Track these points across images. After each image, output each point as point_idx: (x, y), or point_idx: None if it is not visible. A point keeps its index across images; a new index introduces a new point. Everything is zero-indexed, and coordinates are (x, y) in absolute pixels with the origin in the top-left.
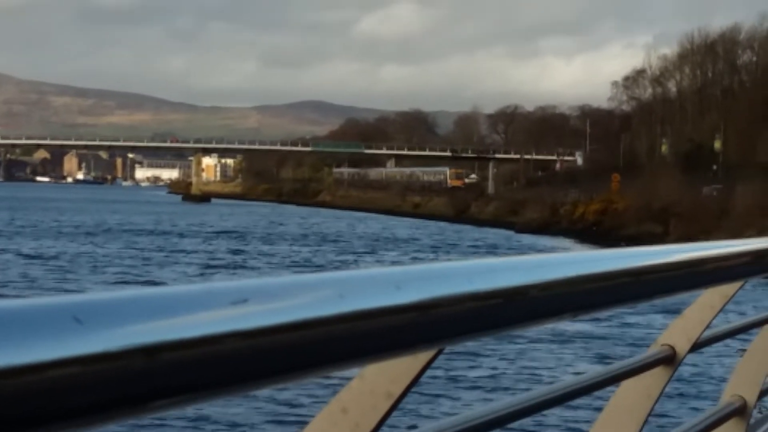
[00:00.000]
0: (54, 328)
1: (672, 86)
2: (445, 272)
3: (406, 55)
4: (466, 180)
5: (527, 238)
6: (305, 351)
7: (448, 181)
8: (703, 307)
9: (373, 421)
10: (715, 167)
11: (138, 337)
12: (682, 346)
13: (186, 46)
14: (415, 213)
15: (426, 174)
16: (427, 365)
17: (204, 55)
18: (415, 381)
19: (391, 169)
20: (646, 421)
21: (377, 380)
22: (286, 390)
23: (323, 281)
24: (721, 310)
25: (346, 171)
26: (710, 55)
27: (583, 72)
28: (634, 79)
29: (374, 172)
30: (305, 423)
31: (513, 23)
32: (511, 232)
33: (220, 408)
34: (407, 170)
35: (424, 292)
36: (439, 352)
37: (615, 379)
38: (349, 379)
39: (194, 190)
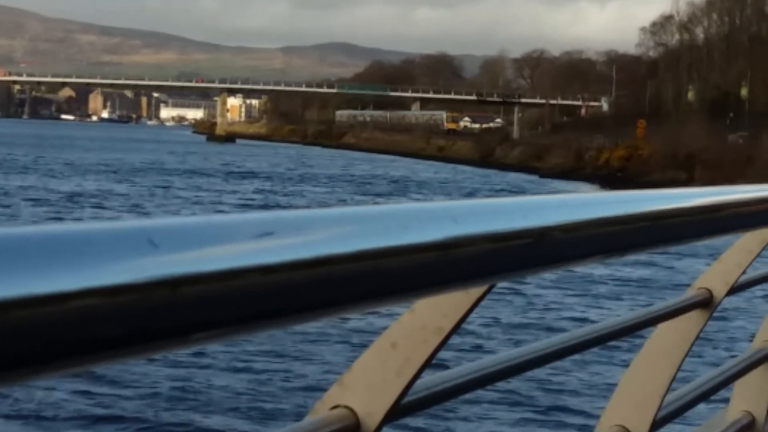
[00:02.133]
0: (130, 251)
1: (699, 33)
2: (501, 207)
3: None
4: (492, 124)
5: (553, 183)
6: (359, 283)
7: (445, 124)
8: (741, 251)
9: (423, 355)
10: (732, 115)
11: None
12: (719, 290)
13: None
14: (440, 156)
15: (423, 117)
16: (478, 301)
17: None
18: (466, 316)
19: (398, 112)
20: (681, 364)
21: (428, 315)
22: (335, 324)
23: (381, 213)
24: (759, 255)
25: (346, 113)
26: (738, 1)
27: (615, 18)
28: (661, 25)
29: (377, 114)
30: (355, 358)
31: None
32: (535, 177)
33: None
34: (402, 113)
35: (480, 226)
36: (491, 288)
37: (652, 321)
38: (398, 314)
39: (219, 131)
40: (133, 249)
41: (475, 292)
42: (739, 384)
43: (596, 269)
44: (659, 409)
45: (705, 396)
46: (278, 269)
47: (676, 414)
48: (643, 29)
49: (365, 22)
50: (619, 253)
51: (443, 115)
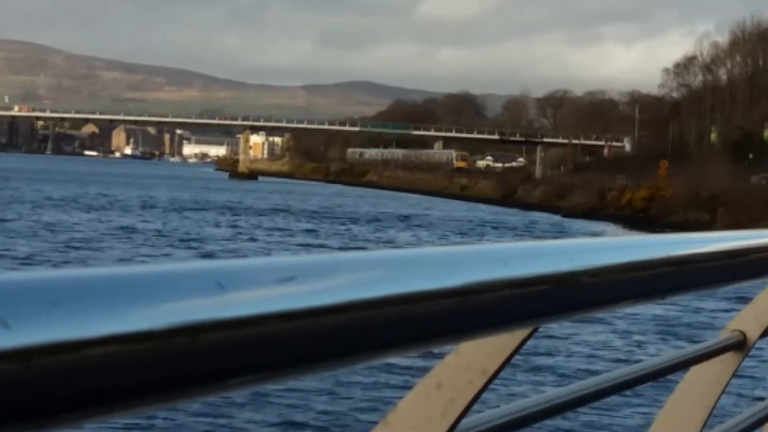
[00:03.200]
0: (199, 292)
1: (723, 74)
2: (548, 250)
3: (463, 38)
4: (514, 163)
5: (575, 223)
6: (408, 327)
7: (454, 162)
8: None
9: (468, 396)
10: (751, 155)
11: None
12: (752, 332)
13: (243, 25)
14: (462, 195)
15: (435, 155)
16: (523, 343)
17: (259, 33)
18: (511, 358)
19: (407, 151)
20: (715, 406)
21: (473, 356)
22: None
23: (433, 256)
24: None
25: (359, 151)
26: (762, 43)
27: (639, 59)
28: (685, 66)
29: (387, 153)
30: (399, 398)
31: (574, 8)
32: (557, 217)
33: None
34: (417, 152)
35: (530, 268)
36: (535, 330)
37: (684, 364)
38: (442, 355)
39: (241, 168)
40: (152, 295)
41: (520, 334)
42: None
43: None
44: None
45: None
46: (307, 314)
47: None
48: (666, 70)
49: (388, 61)
50: (662, 296)
51: (452, 153)
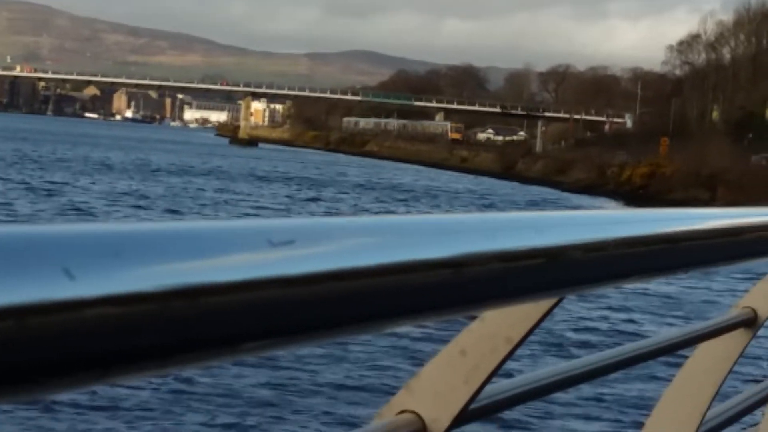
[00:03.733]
0: (248, 249)
1: (726, 53)
2: (580, 220)
3: (469, 9)
4: (515, 137)
5: (575, 198)
6: (434, 293)
7: (449, 134)
8: None
9: (491, 364)
10: (750, 135)
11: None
12: (763, 310)
13: None
14: (462, 167)
15: (430, 126)
16: (548, 312)
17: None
18: (535, 327)
19: (402, 121)
20: (722, 383)
21: (498, 324)
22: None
23: (463, 222)
24: None
25: (354, 119)
26: (766, 22)
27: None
28: (688, 43)
29: (385, 122)
30: (422, 364)
31: None
32: (557, 191)
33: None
34: (413, 123)
35: (559, 237)
36: (560, 300)
37: (694, 340)
38: (468, 322)
39: (242, 134)
40: (150, 255)
41: (545, 303)
42: None
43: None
44: (699, 426)
45: (744, 413)
46: (334, 277)
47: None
48: (669, 47)
49: (392, 30)
50: (685, 269)
51: (448, 125)
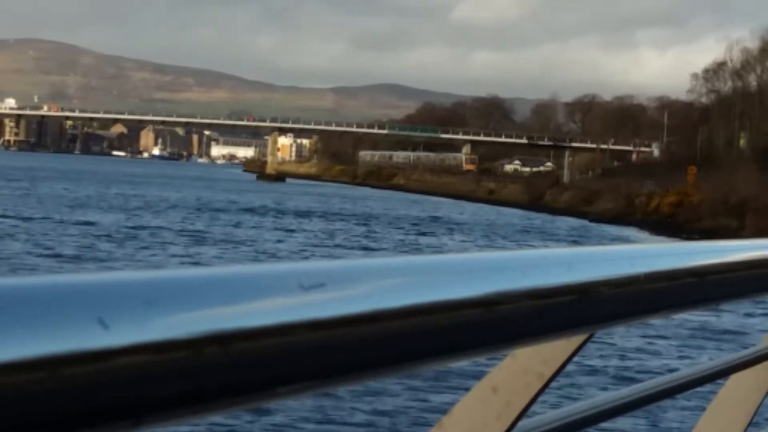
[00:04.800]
0: (281, 293)
1: (752, 80)
2: (606, 255)
3: (497, 42)
4: (542, 168)
5: (603, 228)
6: (466, 333)
7: (464, 165)
8: None
9: (524, 400)
10: None
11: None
12: None
13: (276, 26)
14: (489, 199)
15: (446, 159)
16: (579, 348)
17: (293, 35)
18: (567, 363)
19: (416, 153)
20: (755, 414)
21: (529, 361)
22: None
23: (495, 260)
24: None
25: (371, 153)
26: None
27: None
28: (714, 71)
29: (403, 155)
30: (454, 402)
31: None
32: (585, 222)
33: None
34: (428, 154)
35: (589, 273)
36: (591, 336)
37: (726, 371)
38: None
39: (269, 170)
40: (181, 302)
41: (577, 339)
42: None
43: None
44: None
45: None
46: (360, 320)
47: None
48: (695, 75)
49: (418, 63)
50: (716, 302)
51: (462, 156)
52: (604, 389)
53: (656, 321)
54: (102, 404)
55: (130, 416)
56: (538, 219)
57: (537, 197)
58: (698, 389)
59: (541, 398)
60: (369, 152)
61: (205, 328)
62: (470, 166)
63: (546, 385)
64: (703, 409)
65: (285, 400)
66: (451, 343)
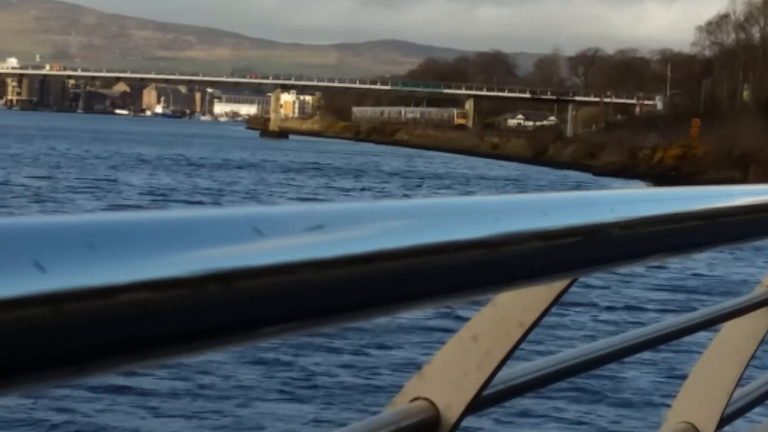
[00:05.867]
0: (237, 238)
1: (756, 32)
2: (590, 200)
3: None
4: (545, 122)
5: (606, 181)
6: (444, 276)
7: (455, 119)
8: None
9: (504, 348)
10: None
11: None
12: None
13: None
14: (493, 154)
15: (437, 113)
16: (561, 295)
17: None
18: (548, 310)
19: (410, 108)
20: (750, 361)
21: (510, 308)
22: (415, 316)
23: (471, 205)
24: None
25: (363, 109)
26: None
27: (675, 18)
28: (717, 24)
29: (396, 110)
30: (435, 351)
31: None
32: (588, 175)
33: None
34: (421, 110)
35: (570, 219)
36: (573, 282)
37: (721, 318)
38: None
39: (272, 126)
40: (181, 242)
41: (558, 285)
42: None
43: None
44: (727, 406)
45: None
46: (339, 263)
47: (743, 411)
48: (698, 28)
49: (420, 19)
50: (700, 249)
51: (454, 111)
52: (591, 337)
53: (640, 268)
54: (43, 350)
55: (72, 362)
56: (518, 171)
57: (540, 151)
58: (693, 337)
59: (525, 347)
60: (362, 108)
61: (200, 267)
62: (461, 120)
63: (527, 333)
64: (698, 357)
65: (280, 339)
66: (435, 286)
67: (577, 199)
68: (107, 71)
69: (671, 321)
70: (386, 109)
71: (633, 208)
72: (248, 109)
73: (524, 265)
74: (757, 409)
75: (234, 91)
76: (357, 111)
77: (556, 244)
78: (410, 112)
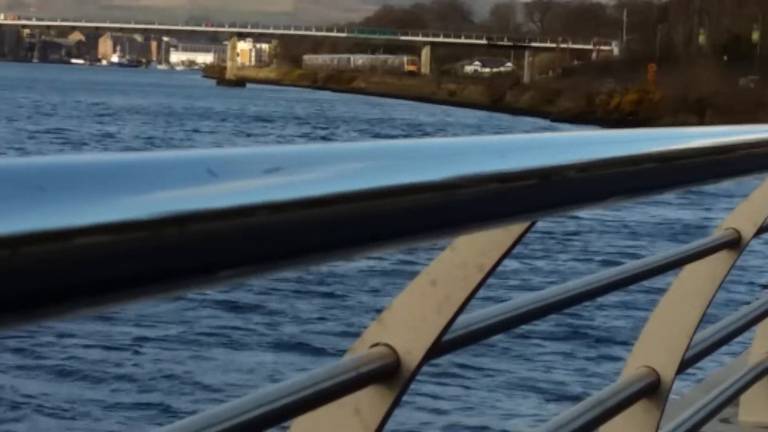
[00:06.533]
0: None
1: None
2: (548, 143)
3: None
4: (502, 69)
5: (564, 127)
6: (401, 219)
7: (405, 66)
8: None
9: (464, 293)
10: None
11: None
12: (747, 230)
13: None
14: (450, 101)
15: (389, 60)
16: (519, 238)
17: None
18: (507, 254)
19: (360, 56)
20: (709, 305)
21: (469, 252)
22: (375, 260)
23: (428, 147)
24: None
25: (315, 56)
26: None
27: None
28: None
29: (344, 59)
30: (393, 296)
31: None
32: (546, 121)
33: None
34: (368, 56)
35: (528, 161)
36: (532, 225)
37: (680, 262)
38: (438, 251)
39: (229, 75)
40: (141, 184)
41: (516, 229)
42: (762, 325)
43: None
44: (687, 350)
45: (731, 337)
46: (296, 205)
47: (703, 355)
48: None
49: None
50: (661, 191)
51: (404, 58)
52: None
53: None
54: None
55: (26, 308)
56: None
57: (498, 98)
58: (653, 280)
59: (483, 292)
60: (312, 56)
61: (163, 210)
62: (411, 67)
63: (486, 277)
64: (657, 301)
65: (234, 283)
66: (393, 229)
67: (534, 142)
68: (62, 20)
69: (632, 264)
70: (336, 57)
71: (590, 150)
72: (205, 58)
73: (482, 208)
74: (716, 353)
75: (190, 40)
76: (307, 59)
77: (514, 186)
78: (360, 59)
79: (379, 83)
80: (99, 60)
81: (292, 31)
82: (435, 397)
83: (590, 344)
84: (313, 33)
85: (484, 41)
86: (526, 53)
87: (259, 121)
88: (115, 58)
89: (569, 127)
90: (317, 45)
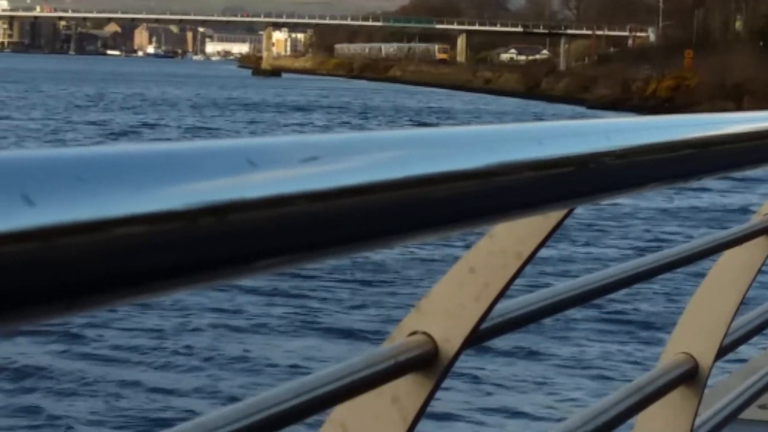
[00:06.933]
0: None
1: None
2: (586, 129)
3: None
4: (538, 56)
5: (600, 114)
6: (440, 207)
7: (437, 54)
8: None
9: (502, 281)
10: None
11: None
12: None
13: None
14: (486, 89)
15: (420, 49)
16: (558, 225)
17: None
18: (546, 241)
19: (390, 45)
20: (748, 291)
21: (507, 240)
22: (413, 249)
23: (465, 135)
24: None
25: (347, 46)
26: None
27: None
28: None
29: (375, 48)
30: (431, 285)
31: None
32: (582, 108)
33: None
34: (399, 45)
35: (565, 148)
36: (570, 212)
37: (718, 248)
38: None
39: (264, 65)
40: (179, 174)
41: (555, 216)
42: None
43: None
44: (725, 336)
45: None
46: (335, 194)
47: (741, 341)
48: None
49: None
50: (697, 177)
51: (435, 47)
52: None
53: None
54: (32, 286)
55: (63, 298)
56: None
57: (534, 85)
58: (691, 266)
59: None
60: (344, 45)
61: (200, 199)
62: (443, 55)
63: (525, 264)
64: (696, 286)
65: (275, 273)
66: (431, 217)
67: (571, 128)
68: (98, 12)
69: (669, 251)
70: (367, 46)
71: (628, 137)
72: (240, 48)
73: (519, 196)
74: (754, 339)
75: (226, 30)
76: (339, 48)
77: (551, 173)
78: (390, 48)
79: (414, 72)
80: (135, 51)
81: (327, 21)
82: (475, 379)
83: (628, 331)
84: (348, 22)
85: (519, 29)
86: (562, 40)
87: (298, 111)
88: (150, 49)
89: (605, 114)
90: (352, 34)
